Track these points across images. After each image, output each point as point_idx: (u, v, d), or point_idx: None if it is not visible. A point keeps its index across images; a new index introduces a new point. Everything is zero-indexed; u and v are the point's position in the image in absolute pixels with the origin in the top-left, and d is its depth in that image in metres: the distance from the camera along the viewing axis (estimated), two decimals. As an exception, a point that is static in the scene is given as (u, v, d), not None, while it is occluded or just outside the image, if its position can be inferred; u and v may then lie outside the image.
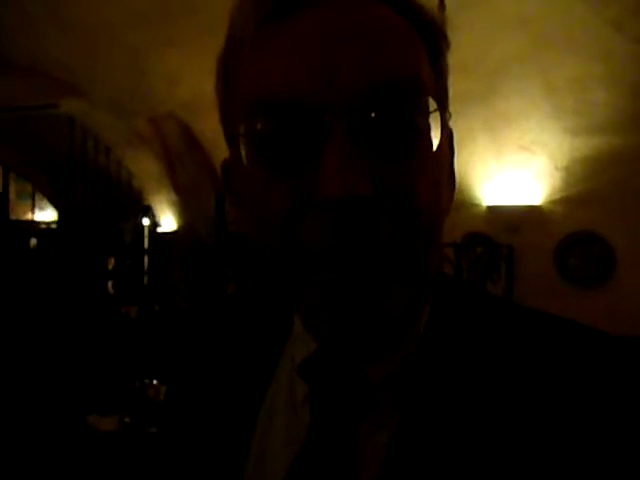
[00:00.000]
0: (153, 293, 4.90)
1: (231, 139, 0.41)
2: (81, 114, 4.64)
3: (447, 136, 0.42)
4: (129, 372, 3.13)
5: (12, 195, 6.30)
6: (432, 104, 0.37)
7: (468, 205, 3.52)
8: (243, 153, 0.38)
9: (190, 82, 4.06)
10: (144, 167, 5.02)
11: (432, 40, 0.40)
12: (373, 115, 0.35)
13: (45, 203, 7.39)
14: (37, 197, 6.49)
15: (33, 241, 6.56)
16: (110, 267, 5.52)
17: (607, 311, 2.97)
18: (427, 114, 0.37)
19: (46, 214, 7.42)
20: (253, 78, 0.38)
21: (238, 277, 4.28)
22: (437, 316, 0.42)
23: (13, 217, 6.35)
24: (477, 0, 2.77)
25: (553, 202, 3.17)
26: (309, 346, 0.42)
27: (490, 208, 3.41)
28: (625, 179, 2.86)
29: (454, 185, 0.44)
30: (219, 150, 5.00)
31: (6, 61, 3.76)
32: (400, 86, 0.36)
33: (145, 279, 5.36)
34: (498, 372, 0.39)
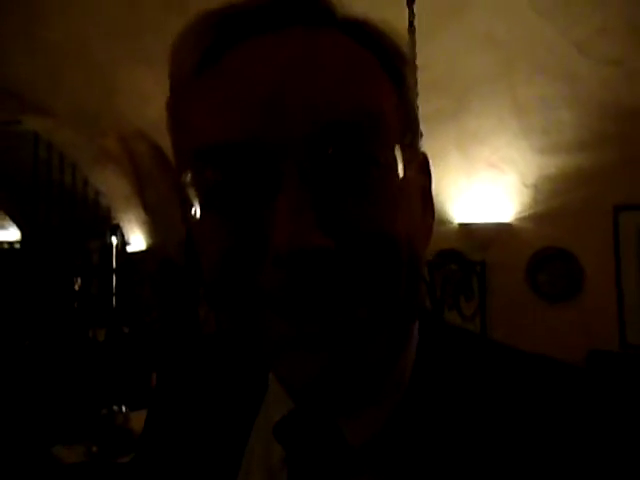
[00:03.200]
0: (122, 314, 4.77)
1: (182, 187, 0.37)
2: (46, 131, 4.53)
3: (419, 164, 0.40)
4: (96, 398, 3.01)
5: (-27, 214, 6.10)
6: (394, 137, 0.35)
7: (440, 222, 3.55)
8: (192, 204, 0.35)
9: (160, 100, 3.99)
10: (113, 186, 4.93)
11: (395, 67, 0.38)
12: (328, 156, 0.32)
13: (7, 222, 7.17)
14: (0, 216, 6.28)
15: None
16: (76, 287, 5.37)
17: (577, 325, 3.01)
18: (390, 147, 0.34)
19: (9, 233, 7.20)
20: (198, 123, 0.35)
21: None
22: (424, 363, 0.39)
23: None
24: (447, 21, 2.82)
25: (523, 219, 3.21)
26: (286, 403, 0.39)
27: (462, 225, 3.44)
28: (592, 196, 2.92)
29: (433, 213, 0.43)
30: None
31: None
32: (357, 122, 0.33)
33: (113, 300, 5.23)
34: (493, 428, 0.36)
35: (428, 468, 0.35)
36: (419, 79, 2.64)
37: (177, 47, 0.38)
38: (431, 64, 2.76)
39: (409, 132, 0.37)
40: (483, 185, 3.30)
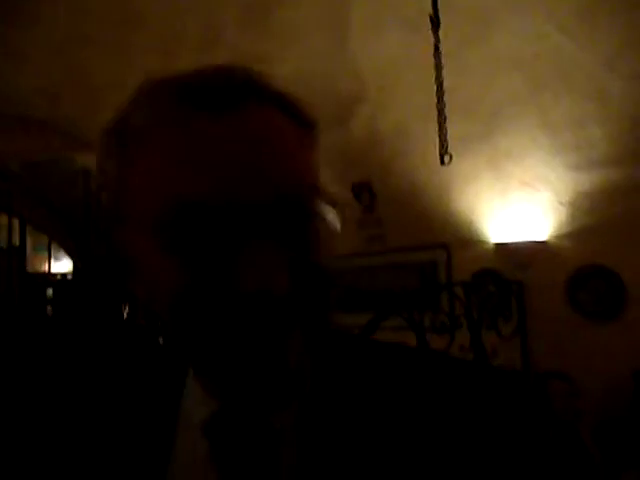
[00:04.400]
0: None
1: (124, 221, 0.43)
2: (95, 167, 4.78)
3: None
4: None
5: (29, 248, 6.43)
6: (324, 193, 0.42)
7: (476, 243, 3.54)
8: (149, 245, 0.40)
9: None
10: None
11: (308, 129, 0.45)
12: (283, 218, 0.39)
13: (61, 254, 7.53)
14: (53, 248, 6.60)
15: (49, 292, 6.65)
16: (125, 315, 5.55)
17: (621, 344, 2.93)
18: (317, 207, 0.42)
19: (62, 264, 7.54)
20: (161, 180, 0.40)
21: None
22: (320, 363, 0.47)
23: (30, 269, 6.46)
24: (473, 44, 2.87)
25: (560, 237, 3.17)
26: (208, 404, 0.45)
27: (498, 245, 3.42)
28: (630, 211, 2.87)
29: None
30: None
31: (23, 118, 3.93)
32: (297, 188, 0.40)
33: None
34: (378, 406, 0.44)
35: (329, 436, 0.43)
36: (447, 102, 2.71)
37: (137, 104, 0.43)
38: (459, 87, 2.80)
39: (325, 191, 0.44)
40: (518, 204, 3.29)
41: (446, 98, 2.62)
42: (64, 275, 6.92)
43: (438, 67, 2.64)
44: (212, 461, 0.44)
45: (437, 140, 2.51)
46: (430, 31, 2.60)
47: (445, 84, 2.58)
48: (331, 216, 0.43)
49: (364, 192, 4.05)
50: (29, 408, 0.53)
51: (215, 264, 0.39)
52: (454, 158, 2.48)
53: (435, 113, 2.56)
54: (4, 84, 3.59)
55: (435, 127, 2.55)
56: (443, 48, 2.59)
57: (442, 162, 2.57)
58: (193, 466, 0.45)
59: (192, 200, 0.38)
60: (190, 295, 0.39)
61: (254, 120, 0.41)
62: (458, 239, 3.62)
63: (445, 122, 2.61)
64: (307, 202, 0.41)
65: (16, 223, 5.46)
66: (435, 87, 2.59)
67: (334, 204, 0.44)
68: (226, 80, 0.41)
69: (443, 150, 2.63)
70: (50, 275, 6.53)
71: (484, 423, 0.43)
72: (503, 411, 0.44)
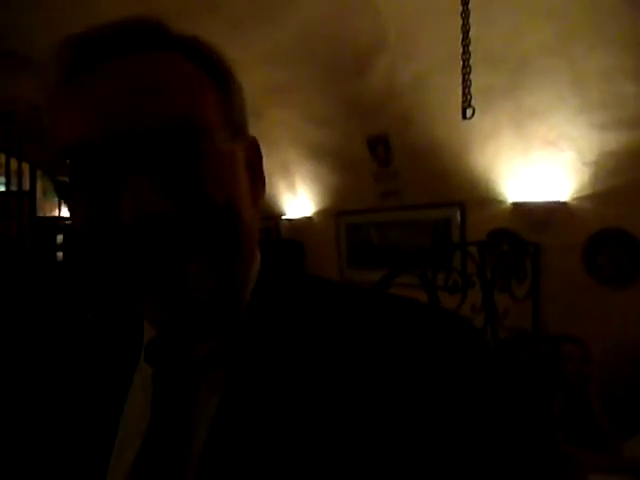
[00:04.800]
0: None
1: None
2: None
3: (246, 146, 0.52)
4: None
5: (39, 192, 6.42)
6: (217, 130, 0.46)
7: (493, 202, 3.46)
8: (65, 186, 0.46)
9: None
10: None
11: (220, 76, 0.50)
12: (162, 151, 0.43)
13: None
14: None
15: (60, 237, 6.69)
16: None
17: (634, 310, 2.89)
18: (210, 138, 0.45)
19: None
20: (60, 127, 0.46)
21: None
22: (257, 296, 0.52)
23: (40, 214, 6.47)
24: (502, -8, 2.70)
25: (581, 198, 3.08)
26: (149, 332, 0.53)
27: (515, 205, 3.34)
28: (656, 175, 2.77)
29: (263, 183, 0.55)
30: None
31: (33, 60, 3.82)
32: (181, 124, 0.44)
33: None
34: (307, 337, 0.48)
35: (256, 366, 0.47)
36: (473, 53, 2.57)
37: (46, 63, 0.48)
38: (485, 37, 2.66)
39: (234, 125, 0.49)
40: (539, 163, 3.18)
41: (470, 48, 2.49)
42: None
43: (465, 14, 2.50)
44: (152, 385, 0.50)
45: (459, 93, 2.40)
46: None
47: (470, 33, 2.45)
48: (222, 156, 0.47)
49: (380, 145, 3.95)
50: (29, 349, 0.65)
51: (102, 198, 0.44)
52: (475, 113, 2.38)
53: (457, 64, 2.43)
54: (12, 20, 3.47)
55: (457, 79, 2.43)
56: (471, -5, 2.45)
57: (464, 116, 2.47)
58: (143, 388, 0.52)
59: (80, 141, 0.44)
60: (88, 230, 0.45)
61: (148, 62, 0.45)
62: (474, 197, 3.54)
63: (470, 74, 2.50)
64: (189, 139, 0.44)
65: (26, 168, 5.42)
66: (461, 36, 2.46)
67: (228, 147, 0.48)
68: (127, 28, 0.47)
69: (466, 103, 2.52)
70: (60, 219, 6.53)
71: (405, 363, 0.44)
72: (429, 352, 0.45)
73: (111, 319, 0.62)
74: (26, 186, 5.36)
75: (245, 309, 0.51)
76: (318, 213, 4.80)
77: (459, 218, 3.68)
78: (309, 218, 4.87)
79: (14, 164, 5.32)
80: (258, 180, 0.53)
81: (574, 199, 3.11)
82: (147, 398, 0.51)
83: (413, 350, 0.45)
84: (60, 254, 6.36)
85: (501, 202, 3.43)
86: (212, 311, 0.48)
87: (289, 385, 0.45)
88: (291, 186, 4.84)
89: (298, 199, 4.89)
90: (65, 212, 7.03)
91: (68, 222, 6.83)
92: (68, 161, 0.44)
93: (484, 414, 0.44)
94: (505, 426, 0.45)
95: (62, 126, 0.45)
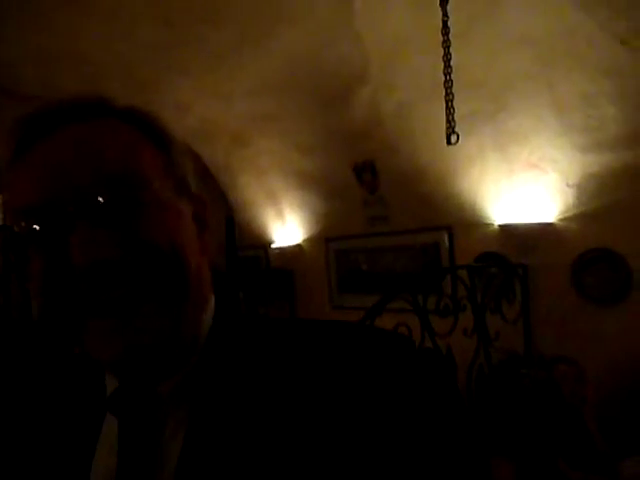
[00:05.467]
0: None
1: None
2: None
3: (190, 197, 0.56)
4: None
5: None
6: (159, 184, 0.51)
7: (480, 225, 3.49)
8: (15, 246, 0.50)
9: (198, 110, 4.10)
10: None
11: (159, 139, 0.55)
12: (102, 202, 0.48)
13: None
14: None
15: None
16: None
17: (626, 329, 2.90)
18: (152, 191, 0.50)
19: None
20: (15, 191, 0.50)
21: (248, 299, 4.31)
22: (213, 336, 0.54)
23: None
24: (482, 19, 2.78)
25: (567, 219, 3.12)
26: (112, 382, 0.54)
27: (502, 227, 3.37)
28: (637, 195, 2.81)
29: (208, 230, 0.58)
30: (228, 176, 5.04)
31: (19, 93, 3.82)
32: (118, 175, 0.49)
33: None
34: (259, 369, 0.51)
35: (215, 399, 0.50)
36: (455, 80, 2.62)
37: (4, 136, 0.53)
38: (467, 64, 2.72)
39: (175, 178, 0.54)
40: (524, 185, 3.22)
41: (452, 76, 2.54)
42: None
43: (446, 43, 2.55)
44: (119, 432, 0.51)
45: (442, 119, 2.44)
46: (439, 6, 2.52)
47: (451, 61, 2.50)
48: (163, 205, 0.51)
49: (366, 172, 3.98)
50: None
51: (55, 247, 0.48)
52: (459, 138, 2.41)
53: (440, 92, 2.48)
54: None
55: (439, 105, 2.47)
56: (451, 24, 2.51)
57: (449, 142, 2.50)
58: (111, 440, 0.52)
59: (23, 207, 0.49)
60: (44, 277, 0.49)
61: (87, 128, 0.51)
62: (462, 221, 3.56)
63: (452, 101, 2.54)
64: (127, 188, 0.48)
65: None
66: (442, 64, 2.51)
67: (170, 197, 0.52)
68: (73, 102, 0.53)
69: (450, 129, 2.56)
70: None
71: (349, 381, 0.48)
72: (369, 369, 0.49)
73: (74, 369, 0.62)
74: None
75: (202, 348, 0.53)
76: (307, 240, 4.80)
77: (447, 242, 3.70)
78: (298, 245, 4.86)
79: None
80: (205, 231, 0.57)
81: (560, 220, 3.14)
82: (114, 447, 0.52)
83: (349, 367, 0.49)
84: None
85: (488, 225, 3.46)
86: (166, 351, 0.50)
87: (247, 415, 0.49)
88: (279, 214, 4.84)
89: (286, 227, 4.89)
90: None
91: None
92: (23, 222, 0.49)
93: (413, 422, 0.48)
94: (434, 433, 0.48)
95: (13, 191, 0.51)
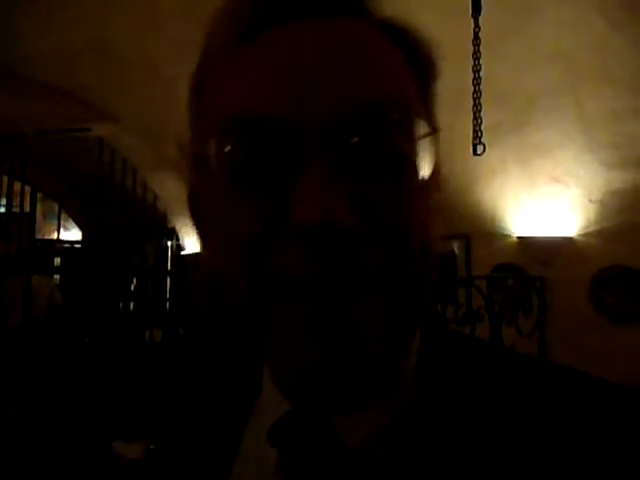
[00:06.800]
0: (177, 316, 4.90)
1: (200, 160, 0.37)
2: (111, 137, 4.72)
3: (437, 167, 0.38)
4: (154, 395, 3.10)
5: (39, 215, 6.40)
6: (422, 128, 0.34)
7: (498, 235, 3.48)
8: (213, 174, 0.34)
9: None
10: (170, 190, 5.07)
11: (422, 67, 0.38)
12: (356, 137, 0.32)
13: (70, 223, 7.50)
14: (63, 217, 6.56)
15: (57, 260, 6.64)
16: (132, 288, 5.54)
17: (643, 348, 2.89)
18: (415, 139, 0.34)
19: (70, 234, 7.52)
20: (229, 93, 0.35)
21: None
22: (426, 367, 0.38)
23: (39, 236, 6.44)
24: (512, 32, 2.77)
25: (587, 235, 3.11)
26: (281, 406, 0.38)
27: (521, 239, 3.36)
28: (661, 213, 2.81)
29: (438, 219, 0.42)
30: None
31: (42, 86, 3.85)
32: (384, 106, 0.33)
33: (167, 302, 5.37)
34: (494, 425, 0.35)
35: (428, 473, 0.34)
36: (482, 91, 2.62)
37: (219, 17, 0.38)
38: (494, 76, 2.72)
39: (429, 130, 0.36)
40: (545, 199, 3.22)
41: (481, 87, 2.54)
42: (72, 243, 6.90)
43: (476, 55, 2.55)
44: (279, 471, 0.37)
45: (465, 129, 2.44)
46: (470, 17, 2.52)
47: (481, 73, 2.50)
48: (420, 159, 0.34)
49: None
50: None
51: (271, 194, 0.33)
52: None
53: (463, 101, 2.48)
54: (23, 44, 3.51)
55: (463, 116, 2.47)
56: (482, 35, 2.51)
57: (475, 152, 2.51)
58: (260, 472, 0.39)
59: (238, 116, 0.33)
60: (249, 240, 0.33)
61: (347, 27, 0.35)
62: (479, 230, 3.56)
63: (480, 112, 2.54)
64: (391, 130, 0.33)
65: (27, 190, 5.42)
66: (468, 74, 2.51)
67: (429, 155, 0.35)
68: None
69: (477, 140, 2.56)
70: (58, 242, 6.48)
71: (594, 442, 0.34)
72: (612, 429, 0.35)
73: (215, 359, 0.51)
74: (27, 208, 5.36)
75: (410, 386, 0.38)
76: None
77: (464, 251, 3.70)
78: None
79: (17, 186, 5.33)
80: (437, 215, 0.40)
81: (580, 235, 3.13)
82: (263, 470, 0.39)
83: (593, 426, 0.35)
84: (57, 277, 6.31)
85: (506, 236, 3.45)
86: (381, 368, 0.34)
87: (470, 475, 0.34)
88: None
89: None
90: (64, 235, 7.00)
91: (67, 245, 6.79)
92: (231, 139, 0.33)
93: None
94: None
95: (235, 91, 0.34)
